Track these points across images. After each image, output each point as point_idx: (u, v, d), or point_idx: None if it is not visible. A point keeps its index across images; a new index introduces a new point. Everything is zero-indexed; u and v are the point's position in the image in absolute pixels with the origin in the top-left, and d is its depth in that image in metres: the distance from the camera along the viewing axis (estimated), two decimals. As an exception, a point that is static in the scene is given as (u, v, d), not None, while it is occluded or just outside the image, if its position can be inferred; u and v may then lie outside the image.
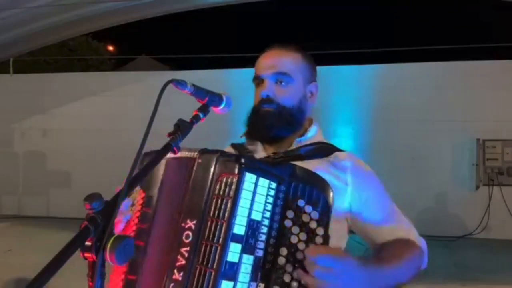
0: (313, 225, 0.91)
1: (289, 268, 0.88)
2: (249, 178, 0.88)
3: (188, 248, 0.87)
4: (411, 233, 1.13)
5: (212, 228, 0.86)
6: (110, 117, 6.61)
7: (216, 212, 0.86)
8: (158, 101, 0.83)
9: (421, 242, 1.13)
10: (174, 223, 0.90)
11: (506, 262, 4.46)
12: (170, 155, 0.90)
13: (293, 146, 1.16)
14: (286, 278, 0.87)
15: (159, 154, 0.83)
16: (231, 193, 0.86)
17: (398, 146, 5.84)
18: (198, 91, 0.95)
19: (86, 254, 0.64)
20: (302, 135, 1.20)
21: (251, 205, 0.88)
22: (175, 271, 0.87)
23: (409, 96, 5.84)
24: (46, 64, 14.08)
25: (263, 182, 0.90)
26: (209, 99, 0.97)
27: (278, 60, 1.19)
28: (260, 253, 0.88)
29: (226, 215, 0.85)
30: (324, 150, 1.16)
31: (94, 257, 0.64)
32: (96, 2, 5.42)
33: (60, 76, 7.79)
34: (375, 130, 5.95)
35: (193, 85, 0.94)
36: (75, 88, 6.98)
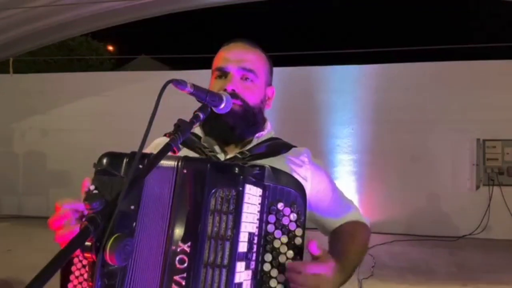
0: (292, 226, 0.91)
1: (274, 273, 0.87)
2: (248, 189, 0.84)
3: (184, 275, 0.77)
4: (357, 214, 1.20)
5: (213, 249, 0.79)
6: (110, 117, 6.61)
7: (216, 231, 0.79)
8: (158, 101, 0.82)
9: (367, 220, 1.21)
10: (161, 248, 0.80)
11: (506, 262, 4.46)
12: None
13: (253, 143, 1.13)
14: (272, 284, 0.87)
15: (159, 155, 0.81)
16: (233, 208, 0.80)
17: (398, 146, 5.84)
18: (198, 91, 0.95)
19: (86, 254, 0.64)
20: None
21: (249, 218, 0.84)
22: None
23: (409, 96, 5.84)
24: (46, 64, 14.08)
25: (256, 191, 0.87)
26: (209, 99, 0.97)
27: (245, 55, 1.13)
28: (253, 265, 0.85)
29: (230, 233, 0.79)
30: (283, 146, 1.15)
31: (94, 257, 0.64)
32: (96, 2, 5.42)
33: (60, 76, 7.79)
34: (375, 130, 5.95)
35: (193, 85, 0.94)
36: (75, 88, 6.98)
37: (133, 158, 0.89)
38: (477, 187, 5.71)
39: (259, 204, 0.88)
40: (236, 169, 0.84)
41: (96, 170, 0.92)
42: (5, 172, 7.03)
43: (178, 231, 0.80)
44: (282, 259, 0.88)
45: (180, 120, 0.88)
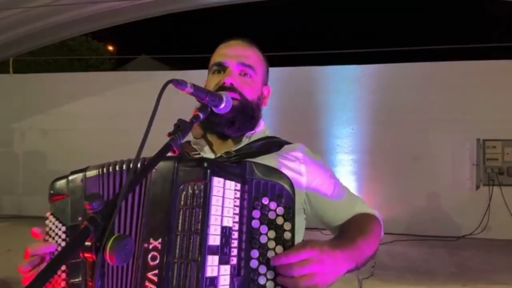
0: (280, 221, 0.88)
1: (262, 269, 0.85)
2: (217, 182, 0.83)
3: (156, 271, 0.78)
4: (365, 206, 1.16)
5: (184, 243, 0.79)
6: (110, 117, 6.62)
7: (186, 226, 0.80)
8: (158, 101, 0.82)
9: (376, 213, 1.16)
10: (135, 246, 0.81)
11: (506, 262, 4.46)
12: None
13: (243, 143, 1.12)
14: (261, 280, 0.85)
15: (159, 155, 0.81)
16: (201, 201, 0.80)
17: (398, 146, 5.84)
18: (198, 91, 0.95)
19: (86, 254, 0.64)
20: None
21: (222, 211, 0.83)
22: None
23: (409, 96, 5.84)
24: (46, 64, 14.08)
25: (230, 184, 0.86)
26: (209, 99, 0.97)
27: (244, 51, 1.13)
28: (234, 260, 0.84)
29: (199, 226, 0.79)
30: (274, 144, 1.13)
31: (94, 257, 0.64)
32: (96, 2, 5.42)
33: (60, 76, 7.79)
34: (375, 130, 5.95)
35: (193, 85, 0.94)
36: (75, 88, 6.98)
37: (74, 174, 0.98)
38: (477, 187, 5.71)
39: (236, 198, 0.86)
40: (205, 163, 0.84)
41: (48, 198, 0.99)
42: (5, 172, 7.03)
43: (150, 229, 0.82)
44: (270, 254, 0.86)
45: (180, 120, 0.88)
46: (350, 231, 1.05)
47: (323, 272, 0.84)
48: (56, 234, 0.97)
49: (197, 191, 0.81)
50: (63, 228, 0.97)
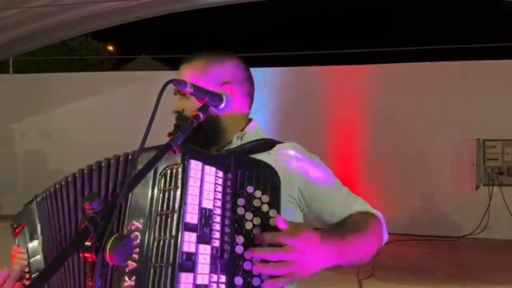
0: (265, 208, 0.89)
1: (248, 255, 0.86)
2: (195, 165, 0.86)
3: (137, 250, 0.82)
4: (366, 206, 1.14)
5: (163, 222, 0.83)
6: (110, 117, 6.62)
7: (165, 206, 0.84)
8: (158, 101, 0.83)
9: (378, 213, 1.13)
10: (119, 228, 0.87)
11: (506, 262, 4.46)
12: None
13: (234, 144, 1.12)
14: (247, 266, 0.86)
15: (159, 154, 0.81)
16: (179, 182, 0.84)
17: (398, 146, 5.84)
18: (198, 91, 0.95)
19: (86, 254, 0.64)
20: (241, 130, 1.15)
21: (201, 193, 0.86)
22: (126, 277, 0.82)
23: (409, 96, 5.85)
24: (46, 64, 14.08)
25: (209, 170, 0.88)
26: (209, 99, 0.97)
27: (182, 77, 1.11)
28: (216, 243, 0.85)
29: (176, 205, 0.83)
30: (266, 144, 1.13)
31: (94, 257, 0.64)
32: (96, 2, 5.43)
33: (60, 76, 7.80)
34: (375, 130, 5.95)
35: (193, 85, 0.94)
36: (75, 88, 6.98)
37: (27, 205, 1.10)
38: (477, 187, 5.71)
39: (217, 184, 0.89)
40: (184, 149, 0.86)
41: (12, 234, 1.10)
42: (5, 172, 7.03)
43: (131, 212, 0.87)
44: (256, 241, 0.87)
45: (180, 120, 0.88)
46: (344, 226, 1.04)
47: (302, 263, 0.85)
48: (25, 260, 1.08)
49: (175, 173, 0.86)
50: None
